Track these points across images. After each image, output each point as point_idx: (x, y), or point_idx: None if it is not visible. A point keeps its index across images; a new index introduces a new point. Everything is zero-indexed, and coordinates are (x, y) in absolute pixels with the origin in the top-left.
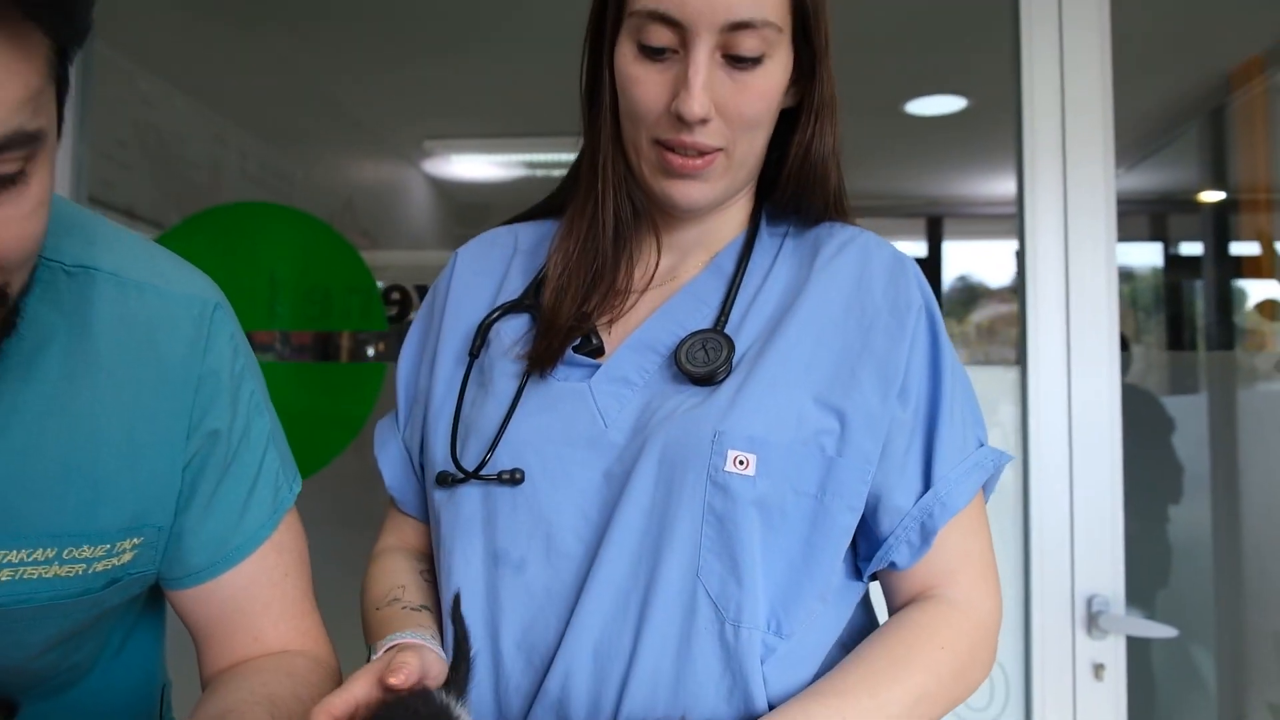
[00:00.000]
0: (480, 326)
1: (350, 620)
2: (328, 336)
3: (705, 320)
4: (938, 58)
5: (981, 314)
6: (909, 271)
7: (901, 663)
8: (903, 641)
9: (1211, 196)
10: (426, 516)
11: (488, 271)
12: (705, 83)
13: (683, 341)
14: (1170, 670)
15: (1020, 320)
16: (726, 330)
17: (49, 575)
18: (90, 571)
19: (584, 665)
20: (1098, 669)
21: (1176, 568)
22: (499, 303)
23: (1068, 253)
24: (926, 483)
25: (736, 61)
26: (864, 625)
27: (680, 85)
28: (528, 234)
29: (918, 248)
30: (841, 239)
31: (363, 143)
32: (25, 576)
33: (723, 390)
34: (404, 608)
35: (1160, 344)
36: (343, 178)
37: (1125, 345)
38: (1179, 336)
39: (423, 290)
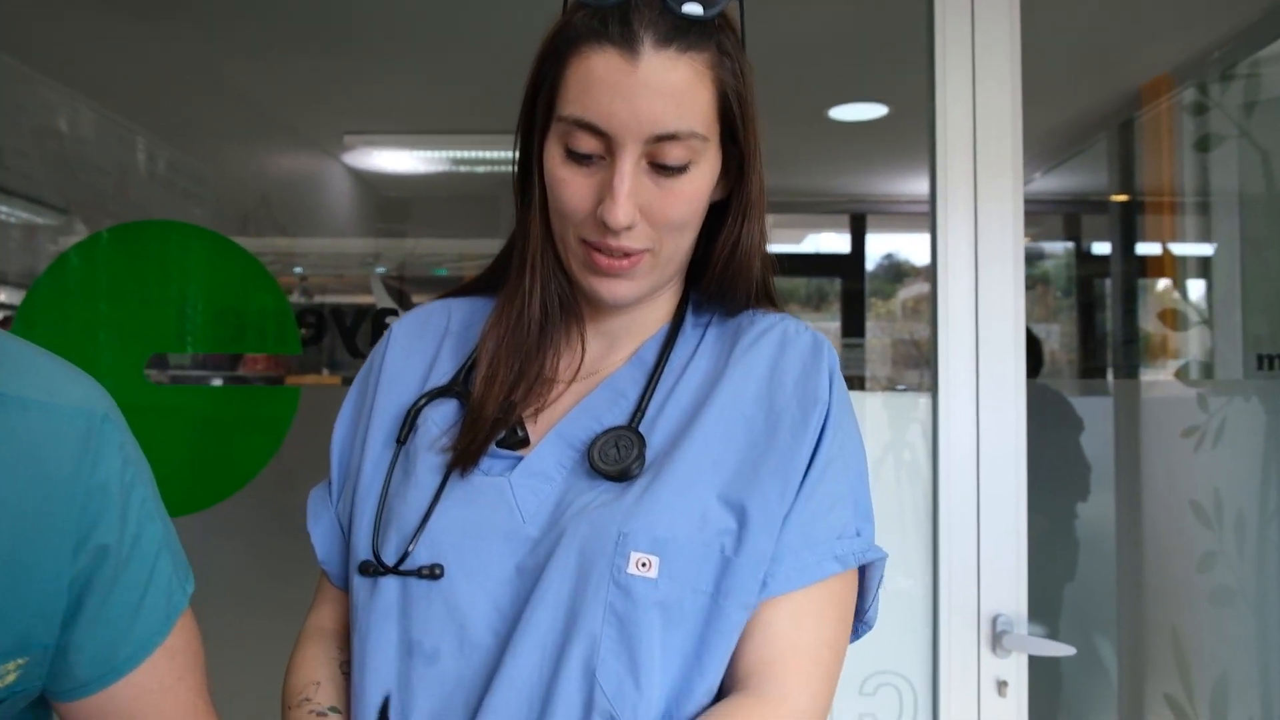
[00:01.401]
0: (409, 412)
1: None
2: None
3: (622, 415)
4: (860, 68)
5: (907, 292)
6: (822, 362)
7: None
8: None
9: (1120, 199)
10: None
11: (420, 351)
12: (630, 191)
13: (596, 439)
14: (1076, 661)
15: (931, 348)
16: (641, 426)
17: None
18: None
19: None
20: (1001, 685)
21: (1083, 563)
22: (429, 385)
23: (977, 258)
24: None
25: (662, 169)
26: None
27: (606, 191)
28: (460, 312)
29: (842, 241)
30: (761, 328)
31: (279, 138)
32: None
33: (633, 488)
34: (311, 711)
35: (1072, 323)
36: (258, 173)
37: (1037, 370)
38: (1090, 323)
39: (337, 313)
